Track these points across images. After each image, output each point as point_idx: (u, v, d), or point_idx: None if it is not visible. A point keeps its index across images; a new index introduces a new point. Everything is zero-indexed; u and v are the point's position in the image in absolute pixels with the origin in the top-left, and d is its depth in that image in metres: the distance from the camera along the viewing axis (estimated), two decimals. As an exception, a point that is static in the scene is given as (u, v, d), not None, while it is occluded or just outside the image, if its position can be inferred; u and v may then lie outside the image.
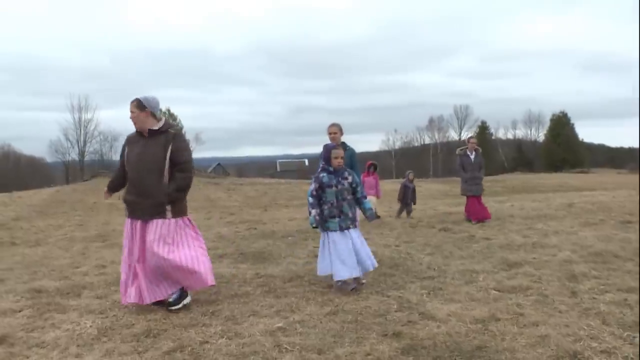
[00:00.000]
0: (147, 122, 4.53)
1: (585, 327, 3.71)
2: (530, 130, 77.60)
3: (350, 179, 5.10)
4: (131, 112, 4.52)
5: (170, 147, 4.49)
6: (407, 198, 12.10)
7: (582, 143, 67.88)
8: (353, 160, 6.31)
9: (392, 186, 24.66)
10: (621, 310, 4.08)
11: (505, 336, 3.59)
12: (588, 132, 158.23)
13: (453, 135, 76.44)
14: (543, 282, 5.07)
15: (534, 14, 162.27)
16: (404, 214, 12.08)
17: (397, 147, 73.58)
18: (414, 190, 12.21)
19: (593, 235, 7.82)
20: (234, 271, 5.96)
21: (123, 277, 4.52)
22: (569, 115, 66.37)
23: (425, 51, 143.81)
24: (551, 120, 67.61)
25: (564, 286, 4.89)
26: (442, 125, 75.02)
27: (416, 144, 75.85)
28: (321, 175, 5.07)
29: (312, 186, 5.08)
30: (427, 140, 75.33)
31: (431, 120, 74.78)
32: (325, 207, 5.03)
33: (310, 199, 5.07)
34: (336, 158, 5.06)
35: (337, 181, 5.04)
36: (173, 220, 4.50)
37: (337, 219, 4.99)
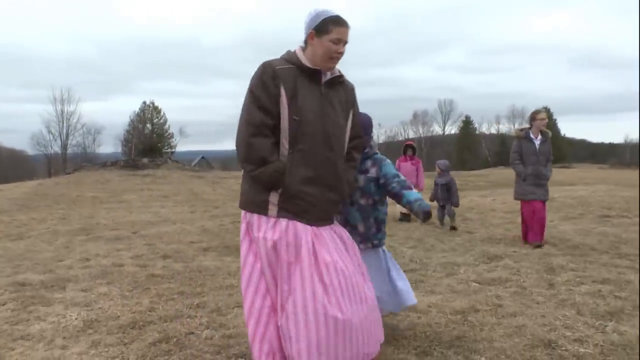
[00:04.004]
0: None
1: (561, 317, 3.83)
2: (514, 125, 78.10)
3: (374, 170, 3.21)
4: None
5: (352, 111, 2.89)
6: (438, 198, 8.90)
7: (564, 138, 68.73)
8: None
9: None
10: (595, 300, 4.22)
11: (484, 326, 3.70)
12: (570, 128, 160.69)
13: (437, 129, 77.19)
14: (522, 274, 5.20)
15: (525, 9, 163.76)
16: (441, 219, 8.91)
17: (381, 141, 73.93)
18: (447, 187, 8.80)
19: (572, 229, 8.00)
20: (218, 264, 6.01)
21: (257, 328, 2.70)
22: (552, 110, 67.07)
23: (415, 45, 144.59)
24: (534, 115, 68.29)
25: (542, 278, 5.02)
26: (427, 120, 75.72)
27: (400, 138, 76.25)
28: None
29: None
30: (412, 135, 75.87)
31: (415, 115, 75.44)
32: None
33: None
34: None
35: None
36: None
37: None
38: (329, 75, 2.73)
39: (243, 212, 2.76)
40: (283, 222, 2.62)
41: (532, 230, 6.80)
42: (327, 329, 2.51)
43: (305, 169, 2.62)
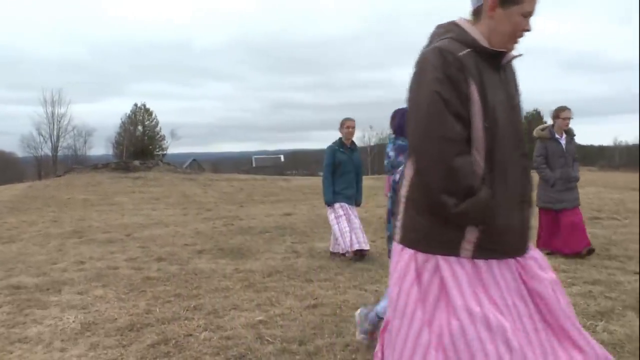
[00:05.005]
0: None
1: (553, 318, 3.90)
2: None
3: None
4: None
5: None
6: None
7: (554, 140, 69.33)
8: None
9: (368, 182, 24.85)
10: (586, 301, 4.31)
11: (477, 327, 3.75)
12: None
13: (428, 132, 77.45)
14: (514, 275, 5.26)
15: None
16: None
17: (372, 143, 73.98)
18: None
19: (562, 231, 8.08)
20: (213, 266, 6.04)
21: None
22: (543, 113, 67.63)
23: (408, 47, 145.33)
24: (525, 118, 68.82)
25: (533, 279, 5.09)
26: (418, 122, 76.00)
27: (392, 141, 76.34)
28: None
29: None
30: (403, 137, 76.11)
31: (407, 117, 75.76)
32: None
33: None
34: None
35: None
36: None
37: None
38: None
39: (408, 251, 1.97)
40: (481, 264, 1.90)
41: (568, 240, 6.09)
42: None
43: (509, 191, 1.93)
